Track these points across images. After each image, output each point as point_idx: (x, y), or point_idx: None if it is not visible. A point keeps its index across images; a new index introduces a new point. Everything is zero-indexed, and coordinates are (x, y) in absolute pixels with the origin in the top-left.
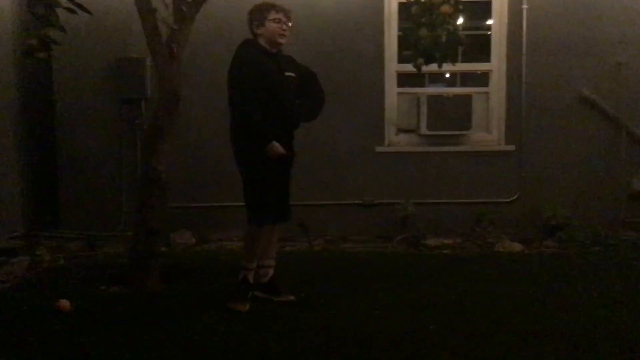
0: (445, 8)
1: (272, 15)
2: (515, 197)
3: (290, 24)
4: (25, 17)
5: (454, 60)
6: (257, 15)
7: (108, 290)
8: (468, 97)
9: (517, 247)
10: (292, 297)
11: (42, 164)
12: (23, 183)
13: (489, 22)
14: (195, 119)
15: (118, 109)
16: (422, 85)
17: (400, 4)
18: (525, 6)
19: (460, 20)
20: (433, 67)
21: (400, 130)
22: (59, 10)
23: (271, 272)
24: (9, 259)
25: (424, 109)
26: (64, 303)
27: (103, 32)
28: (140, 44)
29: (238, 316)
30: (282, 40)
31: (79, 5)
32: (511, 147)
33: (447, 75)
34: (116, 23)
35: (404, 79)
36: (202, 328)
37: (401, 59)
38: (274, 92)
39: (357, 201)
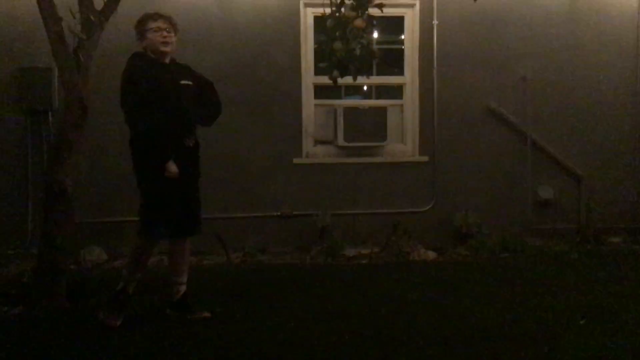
0: (359, 22)
1: (150, 24)
2: (430, 206)
3: (172, 31)
4: None
5: (368, 73)
6: (139, 28)
7: (10, 312)
8: (383, 109)
9: (431, 255)
10: (207, 314)
11: None
12: None
13: (402, 36)
14: (105, 131)
15: (23, 121)
16: (339, 97)
17: (316, 17)
18: (435, 22)
19: (374, 34)
20: (348, 79)
21: (318, 142)
22: None
23: (183, 289)
24: None
25: (340, 120)
26: None
27: (6, 41)
28: (47, 53)
29: (148, 334)
30: (165, 49)
31: None
32: (425, 158)
33: (364, 88)
34: (21, 31)
35: (321, 91)
36: (107, 348)
37: (318, 71)
38: (167, 101)
39: (275, 213)
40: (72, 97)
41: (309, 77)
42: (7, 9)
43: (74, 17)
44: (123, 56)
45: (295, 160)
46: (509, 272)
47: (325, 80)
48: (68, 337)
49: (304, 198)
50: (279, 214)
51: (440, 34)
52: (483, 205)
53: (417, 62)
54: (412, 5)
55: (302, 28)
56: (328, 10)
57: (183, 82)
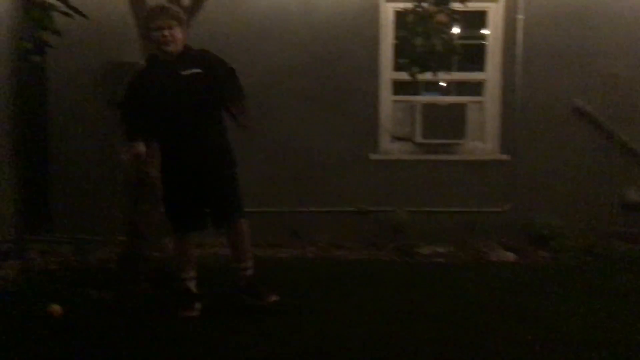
0: (441, 17)
1: (152, 23)
2: (509, 206)
3: (174, 27)
4: (21, 20)
5: (448, 69)
6: (144, 25)
7: (99, 295)
8: (462, 106)
9: (510, 256)
10: (275, 298)
11: (34, 167)
12: (16, 186)
13: (484, 31)
14: None
15: (112, 113)
16: (417, 93)
17: (397, 13)
18: (520, 16)
19: (455, 30)
20: (428, 75)
21: (395, 138)
22: (54, 14)
23: (247, 273)
24: (0, 262)
25: (418, 117)
26: (55, 308)
27: (98, 36)
28: (135, 48)
29: (224, 322)
30: (167, 48)
31: (75, 9)
32: (505, 157)
33: (443, 84)
34: (111, 27)
35: (399, 87)
36: (188, 331)
37: (396, 67)
38: (162, 99)
39: (350, 208)
40: None
41: (387, 73)
42: (99, 6)
43: None
44: None
45: (372, 156)
46: (593, 276)
47: (404, 76)
48: (150, 320)
49: (380, 194)
50: (354, 209)
51: (525, 29)
52: (566, 207)
53: (499, 58)
54: (496, 0)
55: (382, 23)
56: (409, 5)
57: (185, 72)
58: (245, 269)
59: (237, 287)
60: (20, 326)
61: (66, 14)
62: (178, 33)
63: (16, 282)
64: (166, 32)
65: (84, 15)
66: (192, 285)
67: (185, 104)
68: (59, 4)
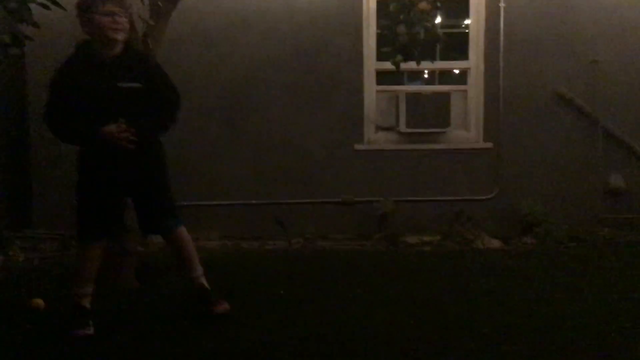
0: (423, 5)
1: (100, 7)
2: (494, 194)
3: (124, 16)
4: None
5: (432, 58)
6: (84, 8)
7: None
8: (446, 95)
9: (495, 243)
10: (225, 307)
11: (15, 162)
12: None
13: (467, 20)
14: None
15: None
16: (401, 83)
17: (379, 2)
18: (502, 4)
19: (438, 18)
20: (411, 64)
21: (379, 128)
22: (32, 6)
23: (200, 281)
24: None
25: (402, 106)
26: (38, 302)
27: (78, 28)
28: None
29: (207, 316)
30: (116, 36)
31: (53, 1)
32: (489, 145)
33: (426, 74)
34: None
35: (382, 77)
36: (174, 329)
37: (380, 57)
38: (93, 107)
39: (336, 199)
40: None
41: (370, 63)
42: None
43: (143, 4)
44: (187, 43)
45: (357, 147)
46: (578, 262)
47: (387, 65)
48: (137, 314)
49: (365, 185)
50: (339, 200)
51: (508, 16)
52: (550, 194)
53: (482, 46)
54: None
55: (364, 13)
56: None
57: (123, 84)
58: (196, 277)
59: (189, 294)
60: (2, 320)
61: (44, 5)
62: (127, 24)
63: None
64: (118, 19)
65: (61, 7)
66: (86, 302)
67: (119, 115)
68: None
